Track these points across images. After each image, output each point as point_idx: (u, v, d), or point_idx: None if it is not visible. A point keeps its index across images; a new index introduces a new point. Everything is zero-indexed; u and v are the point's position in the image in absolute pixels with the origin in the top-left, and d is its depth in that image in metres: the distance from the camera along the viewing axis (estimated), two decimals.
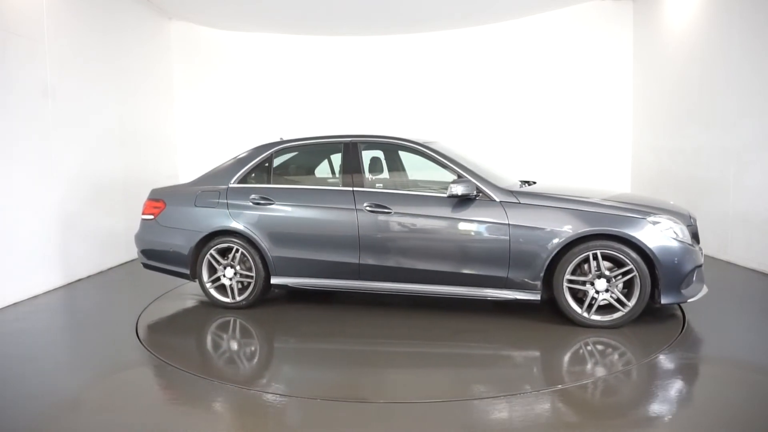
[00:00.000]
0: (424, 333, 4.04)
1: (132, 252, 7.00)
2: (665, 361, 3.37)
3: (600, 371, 3.26)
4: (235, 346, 4.04)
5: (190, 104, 8.63)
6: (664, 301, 3.82)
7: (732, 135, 5.97)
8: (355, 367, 3.50)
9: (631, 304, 3.85)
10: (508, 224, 4.00)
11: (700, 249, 4.08)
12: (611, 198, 4.21)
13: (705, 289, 4.03)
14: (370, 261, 4.31)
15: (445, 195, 4.15)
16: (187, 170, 8.61)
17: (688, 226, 4.03)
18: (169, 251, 4.78)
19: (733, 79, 5.92)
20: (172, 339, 4.16)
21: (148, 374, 3.40)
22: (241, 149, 5.23)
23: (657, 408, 2.83)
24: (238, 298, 4.63)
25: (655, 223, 3.86)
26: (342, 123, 8.68)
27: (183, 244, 4.68)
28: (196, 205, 4.70)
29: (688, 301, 3.88)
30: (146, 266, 5.00)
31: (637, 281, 3.82)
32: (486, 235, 4.07)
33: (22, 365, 3.60)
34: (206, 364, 3.61)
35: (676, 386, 3.10)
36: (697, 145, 6.61)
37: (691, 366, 3.39)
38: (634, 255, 3.81)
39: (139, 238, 4.99)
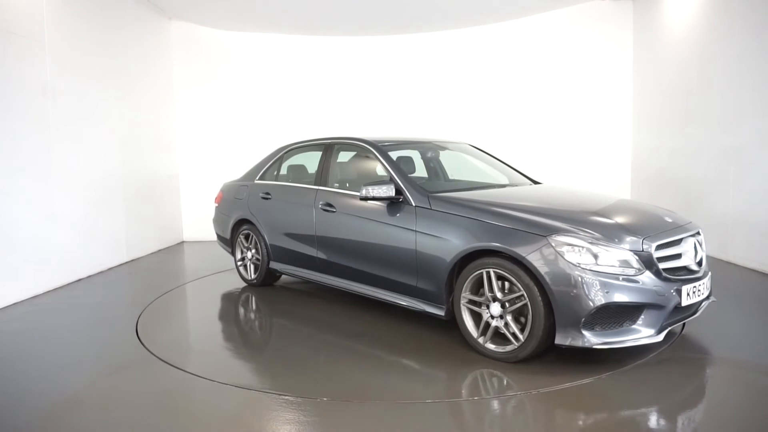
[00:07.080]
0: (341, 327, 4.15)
1: (131, 252, 7.06)
2: (664, 361, 3.36)
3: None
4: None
5: (190, 104, 8.63)
6: (557, 340, 3.12)
7: (732, 135, 5.97)
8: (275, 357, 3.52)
9: (522, 337, 3.25)
10: (415, 230, 3.80)
11: (679, 284, 3.24)
12: (582, 207, 3.69)
13: (652, 338, 3.12)
14: (322, 255, 4.63)
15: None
16: (187, 170, 8.62)
17: (638, 251, 3.17)
18: (221, 234, 5.85)
19: (733, 79, 5.92)
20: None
21: (148, 374, 3.40)
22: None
23: (655, 407, 2.83)
24: (252, 276, 5.42)
25: (559, 243, 3.14)
26: (341, 123, 8.70)
27: (226, 228, 5.69)
28: (235, 198, 5.62)
29: (594, 347, 3.07)
30: (219, 245, 6.05)
31: (528, 311, 3.21)
32: (399, 239, 3.90)
33: (22, 365, 3.60)
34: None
35: (675, 386, 3.09)
36: (697, 145, 6.61)
37: (691, 365, 3.38)
38: (527, 279, 3.19)
39: (213, 221, 6.05)
